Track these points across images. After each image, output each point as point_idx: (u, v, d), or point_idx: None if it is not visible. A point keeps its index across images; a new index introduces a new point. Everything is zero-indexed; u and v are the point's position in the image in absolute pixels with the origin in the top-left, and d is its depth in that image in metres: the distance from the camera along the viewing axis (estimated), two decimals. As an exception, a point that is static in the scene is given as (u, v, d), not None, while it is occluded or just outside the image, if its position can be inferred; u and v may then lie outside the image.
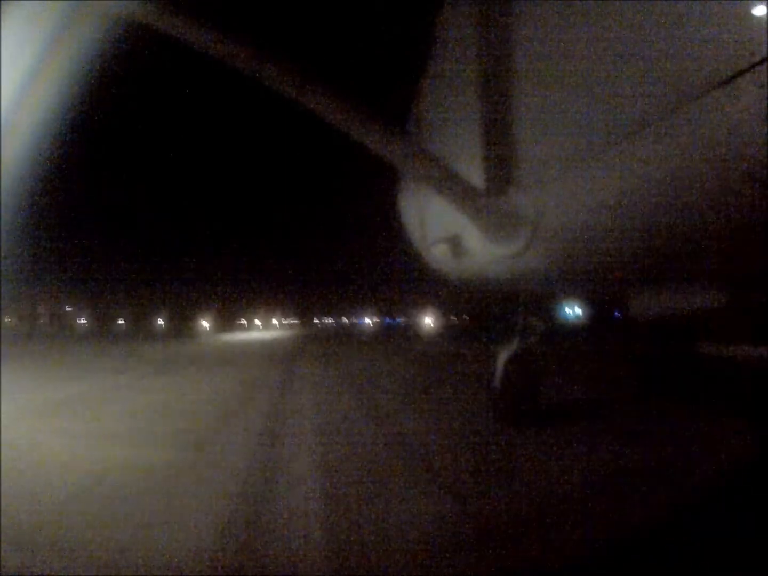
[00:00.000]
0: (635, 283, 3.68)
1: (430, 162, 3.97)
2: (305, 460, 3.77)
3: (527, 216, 3.37)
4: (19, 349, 17.77)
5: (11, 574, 2.09)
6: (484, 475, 3.38)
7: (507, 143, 3.46)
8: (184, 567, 2.19)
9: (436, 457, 3.83)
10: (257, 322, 66.66)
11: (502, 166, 3.52)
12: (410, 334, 33.94)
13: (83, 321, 58.13)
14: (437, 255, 4.97)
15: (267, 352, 18.67)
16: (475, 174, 3.68)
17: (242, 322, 65.74)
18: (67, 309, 60.82)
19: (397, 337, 28.85)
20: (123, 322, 59.41)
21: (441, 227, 4.70)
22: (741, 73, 1.98)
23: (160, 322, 57.28)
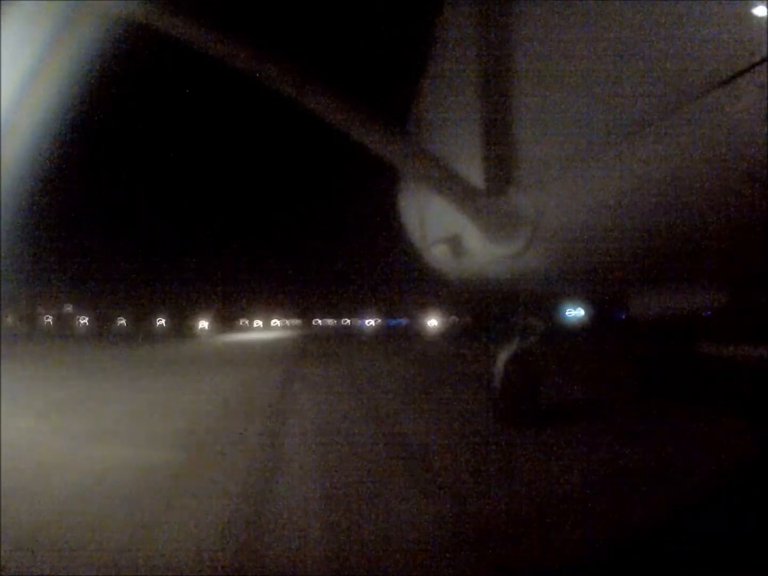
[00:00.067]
0: (635, 283, 3.69)
1: (430, 162, 3.97)
2: (305, 460, 3.77)
3: (527, 216, 3.37)
4: (19, 349, 17.76)
5: (11, 574, 2.09)
6: (484, 475, 3.38)
7: (507, 143, 3.46)
8: (184, 567, 2.19)
9: (436, 457, 3.83)
10: (257, 323, 66.67)
11: (502, 166, 3.52)
12: (411, 334, 33.94)
13: (83, 321, 58.12)
14: (437, 255, 4.98)
15: (268, 352, 18.67)
16: (475, 174, 3.68)
17: (242, 322, 65.76)
18: (67, 309, 60.83)
19: (397, 338, 28.84)
20: (123, 322, 59.41)
21: (441, 227, 4.70)
22: (741, 73, 1.98)
23: (161, 322, 57.29)
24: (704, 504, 2.80)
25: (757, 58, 1.92)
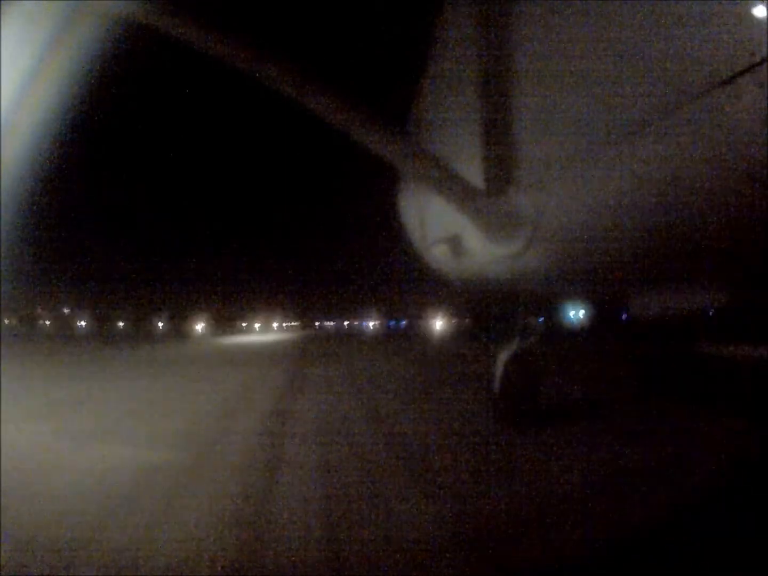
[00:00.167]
0: (635, 283, 3.69)
1: (430, 162, 3.97)
2: (305, 460, 3.77)
3: (527, 216, 3.37)
4: (19, 349, 17.76)
5: (11, 574, 2.09)
6: (484, 475, 3.38)
7: (507, 143, 3.46)
8: (184, 567, 2.19)
9: (436, 457, 3.83)
10: (257, 325, 66.57)
11: (502, 166, 3.52)
12: (411, 334, 33.94)
13: (83, 322, 58.12)
14: (437, 255, 4.97)
15: (267, 353, 18.66)
16: (475, 174, 3.68)
17: (242, 324, 65.67)
18: (67, 310, 60.86)
19: (398, 338, 28.85)
20: (122, 323, 59.38)
21: (441, 227, 4.70)
22: (741, 73, 1.98)
23: (160, 324, 57.24)
24: (704, 504, 2.80)
25: (757, 59, 1.92)
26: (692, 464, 3.56)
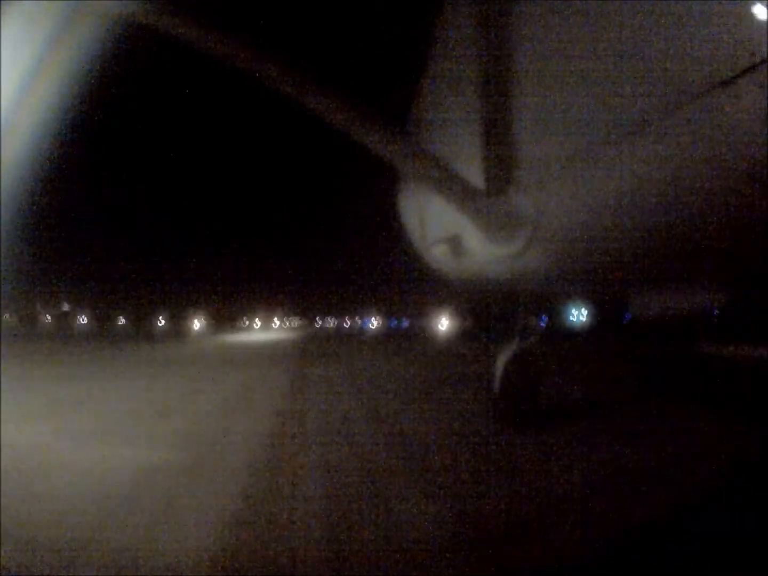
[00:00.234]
0: (635, 283, 3.69)
1: (430, 162, 3.97)
2: (305, 460, 3.77)
3: (527, 216, 3.37)
4: (19, 349, 17.76)
5: (11, 574, 2.09)
6: (484, 476, 3.38)
7: (507, 143, 3.46)
8: (184, 567, 2.19)
9: (436, 457, 3.83)
10: (257, 323, 66.59)
11: (502, 166, 3.52)
12: (411, 334, 33.95)
13: (83, 321, 58.12)
14: (437, 255, 4.97)
15: (267, 352, 18.67)
16: (475, 174, 3.68)
17: (243, 323, 65.71)
18: (67, 309, 60.86)
19: (398, 338, 28.86)
20: (123, 322, 59.40)
21: (441, 227, 4.70)
22: (741, 73, 1.98)
23: (161, 322, 57.26)
24: (704, 504, 2.81)
25: (758, 59, 1.92)
26: (692, 464, 3.56)
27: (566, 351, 13.19)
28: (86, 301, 59.16)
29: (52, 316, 58.24)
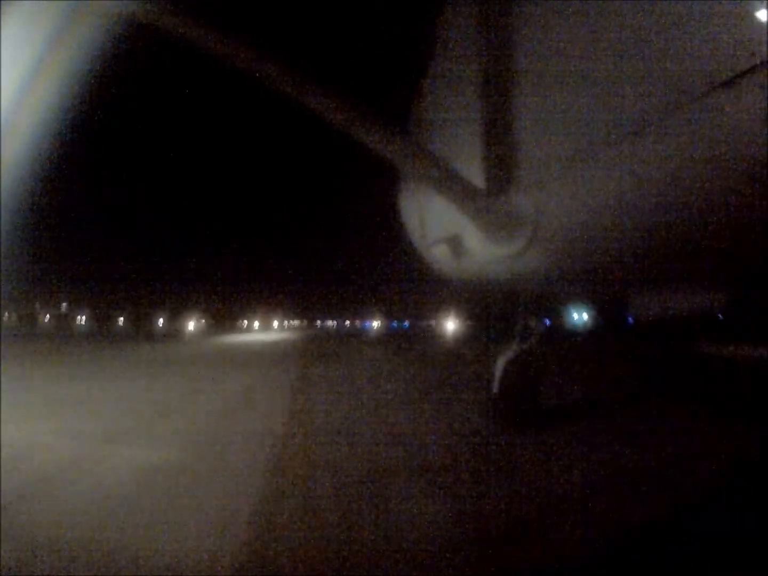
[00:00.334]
0: (635, 284, 3.69)
1: (430, 162, 3.97)
2: (305, 460, 3.77)
3: (527, 216, 3.37)
4: (19, 348, 17.76)
5: (11, 574, 2.09)
6: (484, 476, 3.38)
7: (507, 143, 3.46)
8: (184, 567, 2.19)
9: (437, 458, 3.83)
10: (257, 324, 66.53)
11: (502, 166, 3.52)
12: (411, 335, 33.95)
13: (83, 321, 58.13)
14: (437, 255, 4.98)
15: (268, 353, 18.67)
16: (475, 174, 3.68)
17: (242, 323, 65.67)
18: (66, 309, 60.87)
19: (399, 338, 28.86)
20: (122, 322, 59.42)
21: (441, 227, 4.70)
22: (742, 74, 1.98)
23: (160, 322, 57.27)
24: (704, 504, 2.81)
25: (758, 60, 1.92)
26: (692, 464, 3.56)
27: (566, 351, 13.19)
28: (86, 301, 59.22)
29: (51, 316, 58.24)
